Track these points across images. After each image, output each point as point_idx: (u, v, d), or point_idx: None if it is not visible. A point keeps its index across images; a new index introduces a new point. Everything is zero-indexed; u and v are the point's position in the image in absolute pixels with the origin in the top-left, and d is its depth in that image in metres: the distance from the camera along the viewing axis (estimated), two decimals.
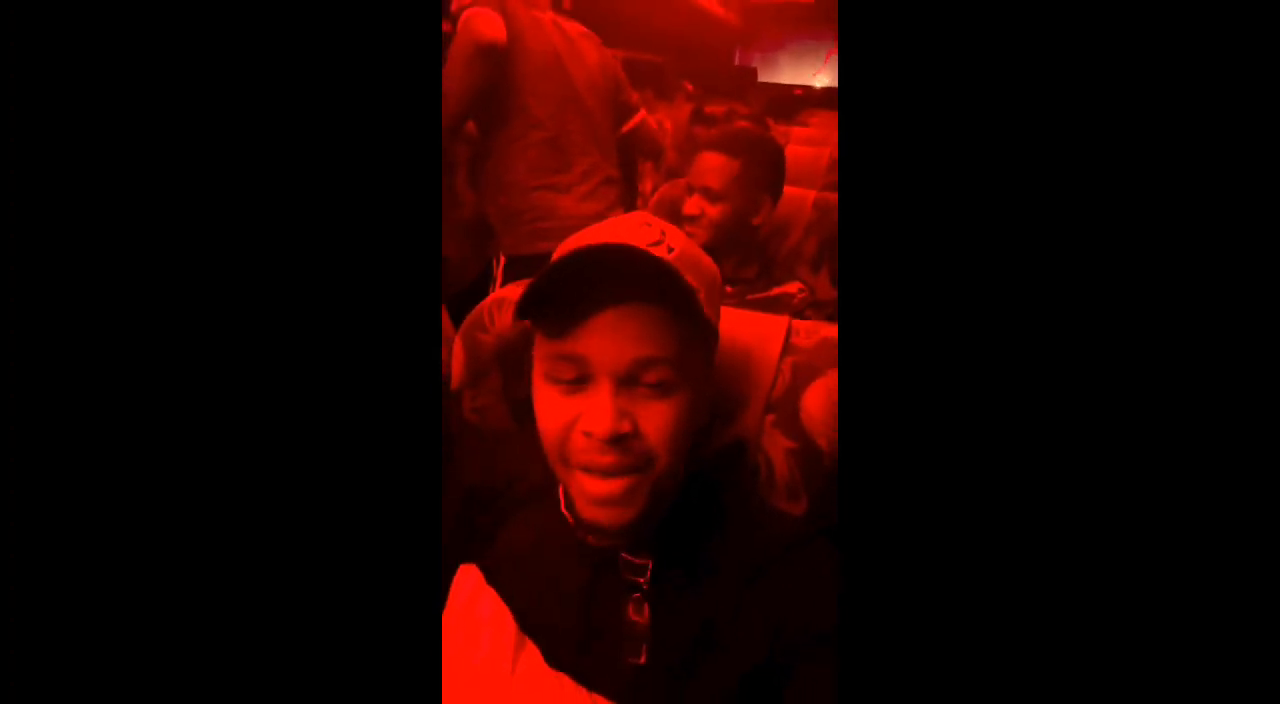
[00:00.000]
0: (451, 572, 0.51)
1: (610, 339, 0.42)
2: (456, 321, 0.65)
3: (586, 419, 0.43)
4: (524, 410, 0.49)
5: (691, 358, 0.44)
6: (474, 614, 0.48)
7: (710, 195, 1.03)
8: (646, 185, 1.94)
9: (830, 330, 0.59)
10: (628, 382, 0.43)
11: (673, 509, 0.47)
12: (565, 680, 0.45)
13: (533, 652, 0.46)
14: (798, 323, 0.60)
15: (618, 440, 0.42)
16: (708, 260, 0.49)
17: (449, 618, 0.48)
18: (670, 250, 0.44)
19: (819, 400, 0.56)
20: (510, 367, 0.57)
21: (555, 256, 0.44)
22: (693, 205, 1.03)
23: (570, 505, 0.46)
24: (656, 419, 0.43)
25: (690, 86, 3.31)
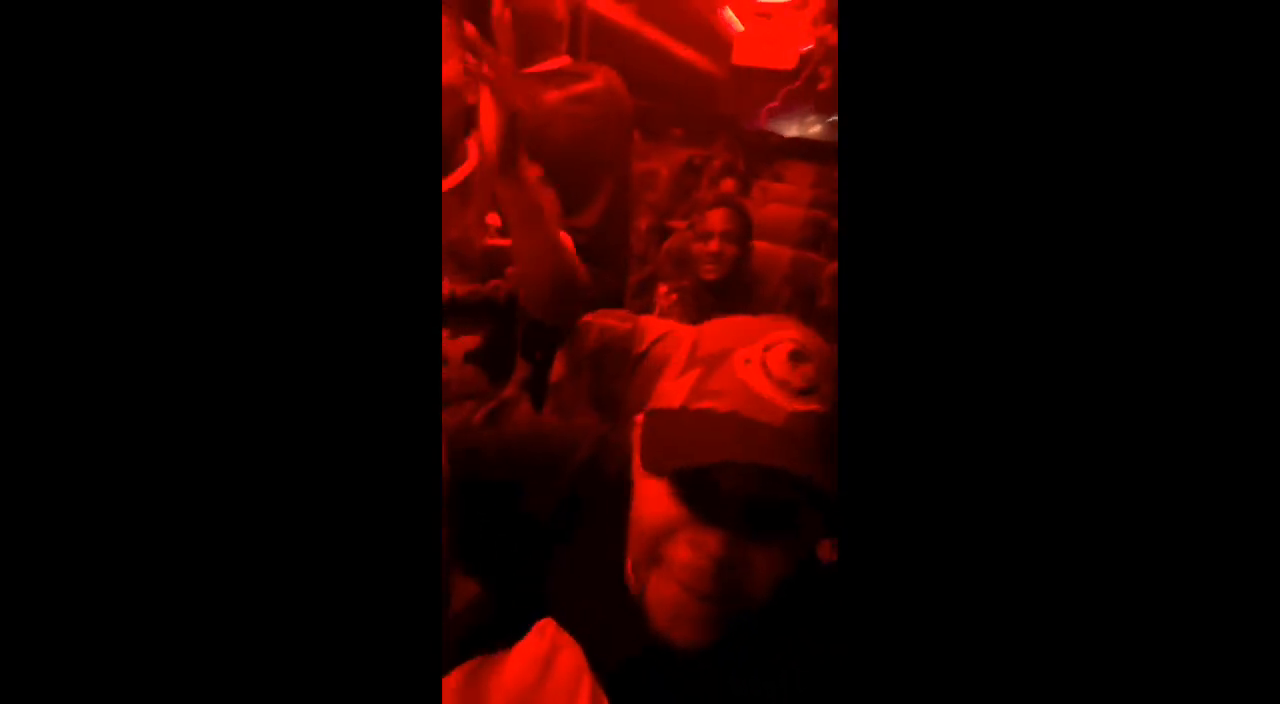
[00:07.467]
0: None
1: None
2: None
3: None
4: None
5: None
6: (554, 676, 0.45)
7: (728, 238, 1.48)
8: (642, 223, 2.28)
9: None
10: None
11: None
12: None
13: None
14: None
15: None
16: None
17: (520, 672, 0.46)
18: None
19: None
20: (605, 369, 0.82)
21: None
22: (714, 246, 1.47)
23: (645, 604, 0.45)
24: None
25: (679, 132, 3.73)
